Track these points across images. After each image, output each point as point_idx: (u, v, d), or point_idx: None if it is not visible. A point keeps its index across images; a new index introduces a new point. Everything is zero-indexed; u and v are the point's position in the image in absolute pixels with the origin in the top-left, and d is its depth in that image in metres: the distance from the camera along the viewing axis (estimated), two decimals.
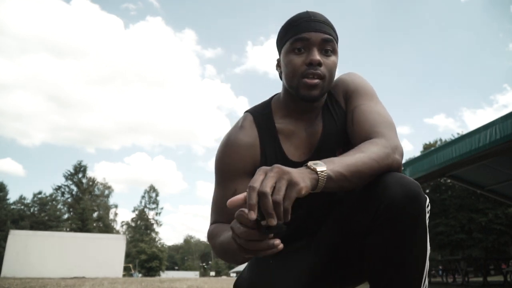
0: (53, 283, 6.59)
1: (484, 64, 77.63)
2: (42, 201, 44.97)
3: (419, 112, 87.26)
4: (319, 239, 1.08)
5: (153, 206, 53.68)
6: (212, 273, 63.17)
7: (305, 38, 1.03)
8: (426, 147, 28.62)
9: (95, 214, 46.91)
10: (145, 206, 53.41)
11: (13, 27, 60.64)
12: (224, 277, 44.18)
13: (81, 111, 71.63)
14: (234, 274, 46.01)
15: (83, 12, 70.56)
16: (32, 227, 38.83)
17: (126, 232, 51.46)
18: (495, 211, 22.97)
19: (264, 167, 0.72)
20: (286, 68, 1.06)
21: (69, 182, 46.55)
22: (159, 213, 53.80)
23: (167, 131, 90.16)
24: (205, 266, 75.43)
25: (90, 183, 48.36)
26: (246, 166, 1.08)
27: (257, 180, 0.69)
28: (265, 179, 0.69)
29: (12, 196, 63.34)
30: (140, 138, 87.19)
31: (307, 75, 1.01)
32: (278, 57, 1.14)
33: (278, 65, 1.14)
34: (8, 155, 72.82)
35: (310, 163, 0.78)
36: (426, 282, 0.85)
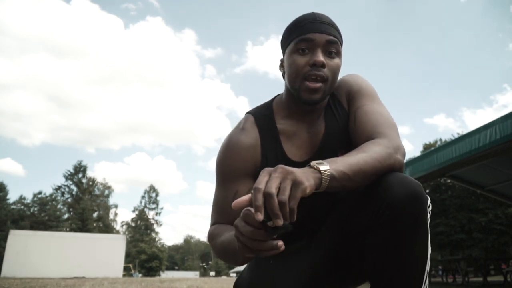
0: (53, 283, 6.59)
1: (484, 64, 77.76)
2: (42, 201, 44.96)
3: (419, 112, 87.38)
4: (319, 239, 1.09)
5: (153, 206, 53.73)
6: (212, 273, 63.18)
7: (309, 39, 1.02)
8: (426, 147, 28.61)
9: (95, 214, 46.90)
10: (145, 206, 53.45)
11: (13, 27, 60.75)
12: (224, 277, 44.21)
13: (81, 111, 71.75)
14: (234, 274, 46.06)
15: (83, 12, 70.69)
16: (32, 227, 38.83)
17: (126, 232, 51.46)
18: (495, 211, 22.97)
19: (268, 168, 0.72)
20: (289, 69, 1.06)
21: (69, 182, 46.58)
22: (159, 213, 53.88)
23: (167, 131, 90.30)
24: (205, 266, 75.44)
25: (90, 183, 48.36)
26: (247, 168, 1.09)
27: (262, 181, 0.69)
28: (269, 180, 0.69)
29: (12, 196, 63.48)
30: (140, 138, 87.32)
31: (310, 76, 1.02)
32: (282, 57, 1.14)
33: (282, 65, 1.14)
34: (8, 155, 72.91)
35: (313, 163, 0.78)
36: (427, 282, 0.85)
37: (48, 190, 63.72)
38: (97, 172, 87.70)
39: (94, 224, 45.08)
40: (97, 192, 49.51)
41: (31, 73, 63.76)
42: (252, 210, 0.68)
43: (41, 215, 43.49)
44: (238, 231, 0.72)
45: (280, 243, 0.69)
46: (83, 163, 47.83)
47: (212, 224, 1.11)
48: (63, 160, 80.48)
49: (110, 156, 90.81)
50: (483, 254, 23.52)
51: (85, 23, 69.88)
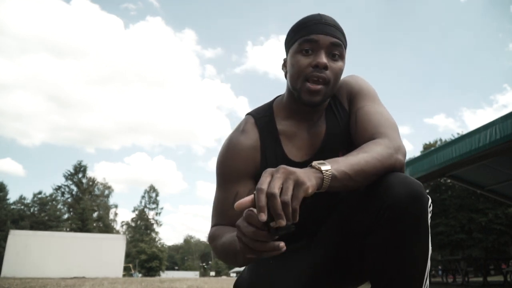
0: (53, 283, 6.59)
1: (484, 64, 77.79)
2: (42, 201, 44.96)
3: (419, 112, 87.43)
4: (319, 239, 1.09)
5: (153, 206, 53.73)
6: (212, 273, 63.19)
7: (313, 40, 1.02)
8: (426, 147, 28.61)
9: (95, 214, 46.90)
10: (145, 206, 53.46)
11: (13, 27, 60.77)
12: (224, 277, 44.20)
13: (81, 111, 71.78)
14: (234, 274, 46.05)
15: (83, 12, 70.71)
16: (32, 227, 38.82)
17: (126, 232, 51.46)
18: (495, 211, 22.96)
19: (269, 169, 0.73)
20: (291, 69, 1.06)
21: (69, 182, 46.59)
22: (159, 213, 53.89)
23: (167, 131, 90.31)
24: (205, 266, 75.43)
25: (90, 183, 48.36)
26: (247, 169, 1.09)
27: (264, 181, 0.69)
28: (272, 180, 0.69)
29: (12, 196, 63.43)
30: (140, 138, 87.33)
31: (311, 77, 1.01)
32: (285, 56, 1.14)
33: (284, 65, 1.14)
34: (8, 155, 72.95)
35: (314, 163, 0.79)
36: (427, 282, 0.85)
37: (48, 190, 63.79)
38: (97, 172, 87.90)
39: (94, 224, 45.08)
40: (97, 192, 49.55)
41: (31, 73, 63.90)
42: (255, 210, 0.68)
43: (41, 215, 43.49)
44: (240, 232, 0.72)
45: (282, 244, 0.70)
46: (83, 163, 47.92)
47: (213, 225, 1.11)
48: (63, 160, 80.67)
49: (110, 156, 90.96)
50: (483, 254, 23.53)
51: (85, 23, 70.04)
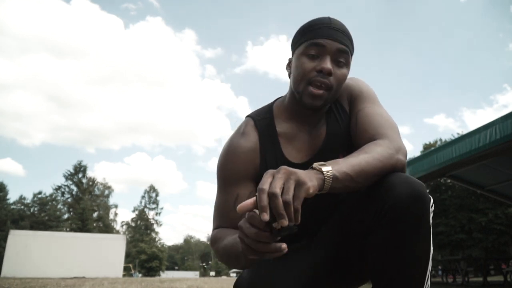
0: (53, 283, 6.59)
1: (484, 64, 77.79)
2: (42, 201, 44.97)
3: (419, 112, 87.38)
4: (320, 239, 1.09)
5: (153, 206, 53.72)
6: (212, 273, 63.21)
7: (320, 44, 1.02)
8: (426, 147, 28.61)
9: (95, 214, 46.90)
10: (145, 206, 53.44)
11: (13, 27, 60.75)
12: (224, 277, 44.22)
13: (81, 111, 71.73)
14: (234, 274, 46.05)
15: (83, 12, 70.68)
16: (32, 227, 38.84)
17: (126, 232, 51.46)
18: (495, 211, 22.96)
19: (271, 170, 0.73)
20: (296, 70, 1.06)
21: (69, 182, 46.59)
22: (159, 213, 53.85)
23: (167, 131, 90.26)
24: (205, 266, 75.46)
25: (90, 183, 48.37)
26: (247, 171, 1.09)
27: (265, 182, 0.69)
28: (273, 180, 0.69)
29: (12, 196, 63.44)
30: (140, 138, 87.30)
31: (314, 82, 1.01)
32: (290, 56, 1.14)
33: (289, 65, 1.14)
34: (8, 155, 72.88)
35: (315, 164, 0.79)
36: (428, 282, 0.85)
37: (48, 190, 63.84)
38: (97, 172, 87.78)
39: (94, 224, 45.08)
40: (97, 192, 49.55)
41: (31, 73, 63.88)
42: (257, 212, 0.68)
43: (41, 215, 43.50)
44: (242, 233, 0.72)
45: (284, 245, 0.70)
46: (83, 163, 47.92)
47: (215, 228, 1.11)
48: (63, 160, 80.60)
49: (110, 156, 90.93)
50: (483, 254, 23.53)
51: (85, 23, 70.01)
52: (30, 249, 17.99)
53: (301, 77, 1.03)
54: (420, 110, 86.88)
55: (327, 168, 0.78)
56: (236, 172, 1.09)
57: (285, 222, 0.66)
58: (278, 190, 0.67)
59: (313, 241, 1.11)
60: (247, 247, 0.72)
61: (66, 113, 70.33)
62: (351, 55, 1.07)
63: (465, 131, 20.26)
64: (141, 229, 51.84)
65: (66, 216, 45.43)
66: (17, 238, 18.52)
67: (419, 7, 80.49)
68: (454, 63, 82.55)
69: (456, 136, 23.24)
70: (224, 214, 1.08)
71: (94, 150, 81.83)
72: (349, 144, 1.09)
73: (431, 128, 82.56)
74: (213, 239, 1.06)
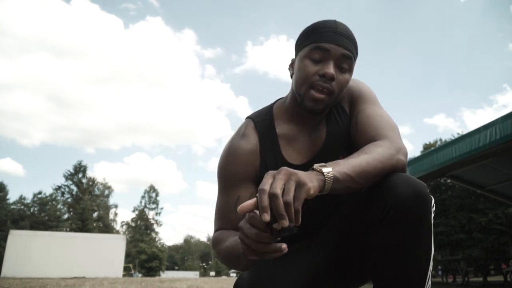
0: (53, 283, 6.59)
1: (484, 64, 77.77)
2: (42, 201, 44.96)
3: (419, 112, 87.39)
4: (320, 239, 1.09)
5: (153, 206, 53.71)
6: (212, 273, 63.21)
7: (325, 48, 1.01)
8: (426, 147, 28.60)
9: (95, 214, 46.90)
10: (145, 206, 53.43)
11: (13, 27, 60.78)
12: (224, 277, 44.23)
13: (81, 111, 71.74)
14: (234, 274, 46.06)
15: (83, 12, 70.68)
16: (32, 227, 38.83)
17: (126, 232, 51.45)
18: (495, 211, 22.95)
19: (271, 171, 0.73)
20: (298, 73, 1.05)
21: (69, 182, 46.58)
22: (159, 213, 53.85)
23: (167, 131, 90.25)
24: (205, 266, 75.48)
25: (90, 183, 48.37)
26: (248, 173, 1.09)
27: (266, 183, 0.70)
28: (274, 181, 0.70)
29: (12, 196, 63.35)
30: (140, 138, 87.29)
31: (316, 86, 1.01)
32: (294, 57, 1.13)
33: (291, 66, 1.14)
34: (8, 155, 72.90)
35: (315, 166, 0.79)
36: (429, 282, 0.85)
37: (48, 190, 63.83)
38: (97, 172, 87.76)
39: (94, 224, 45.08)
40: (97, 192, 49.54)
41: (31, 73, 63.89)
42: (258, 212, 0.68)
43: (41, 215, 43.49)
44: (243, 233, 0.72)
45: (284, 245, 0.70)
46: (83, 163, 47.90)
47: (216, 230, 1.11)
48: (63, 160, 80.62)
49: (110, 156, 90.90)
50: (483, 254, 23.52)
51: (85, 23, 69.99)
52: (30, 249, 17.99)
53: (303, 80, 1.03)
54: (420, 110, 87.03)
55: (328, 169, 0.78)
56: (237, 173, 1.09)
57: (286, 223, 0.66)
58: (279, 190, 0.67)
59: (313, 241, 1.11)
60: (247, 248, 0.72)
61: (66, 113, 70.45)
62: (355, 60, 1.07)
63: (465, 131, 20.27)
64: (141, 229, 51.82)
65: (66, 216, 45.43)
66: (17, 238, 18.52)
67: (419, 7, 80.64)
68: (454, 63, 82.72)
69: (456, 136, 23.23)
70: (225, 216, 1.08)
71: (94, 150, 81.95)
72: (349, 145, 1.09)
73: (431, 128, 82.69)
74: (215, 241, 1.06)
